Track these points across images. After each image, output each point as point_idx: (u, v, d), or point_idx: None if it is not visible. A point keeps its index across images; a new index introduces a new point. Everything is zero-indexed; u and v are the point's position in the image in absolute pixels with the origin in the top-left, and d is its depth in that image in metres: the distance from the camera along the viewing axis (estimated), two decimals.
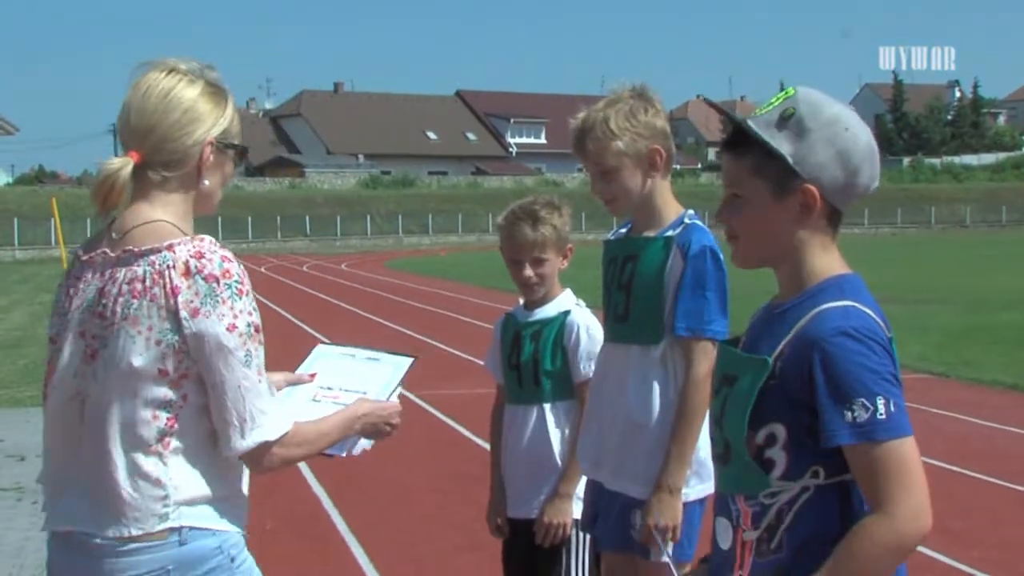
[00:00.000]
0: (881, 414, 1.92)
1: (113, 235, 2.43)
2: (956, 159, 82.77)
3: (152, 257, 2.35)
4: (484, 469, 3.93)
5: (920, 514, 1.93)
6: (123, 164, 2.40)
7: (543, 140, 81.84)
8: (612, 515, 3.30)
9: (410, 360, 2.85)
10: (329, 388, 2.74)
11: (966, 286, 23.46)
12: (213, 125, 2.45)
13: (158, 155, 2.43)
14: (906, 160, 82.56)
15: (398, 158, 74.74)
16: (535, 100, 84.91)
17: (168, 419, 2.35)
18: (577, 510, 3.56)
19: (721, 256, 3.19)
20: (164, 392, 2.34)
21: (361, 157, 73.98)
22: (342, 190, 67.11)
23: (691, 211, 3.31)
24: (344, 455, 2.67)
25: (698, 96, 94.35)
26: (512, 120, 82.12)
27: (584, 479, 3.53)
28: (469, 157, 78.55)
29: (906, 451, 1.94)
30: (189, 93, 2.44)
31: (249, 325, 2.36)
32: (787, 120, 2.06)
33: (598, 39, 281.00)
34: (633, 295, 3.27)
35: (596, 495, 3.39)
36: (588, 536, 3.59)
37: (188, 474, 2.38)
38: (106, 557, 2.37)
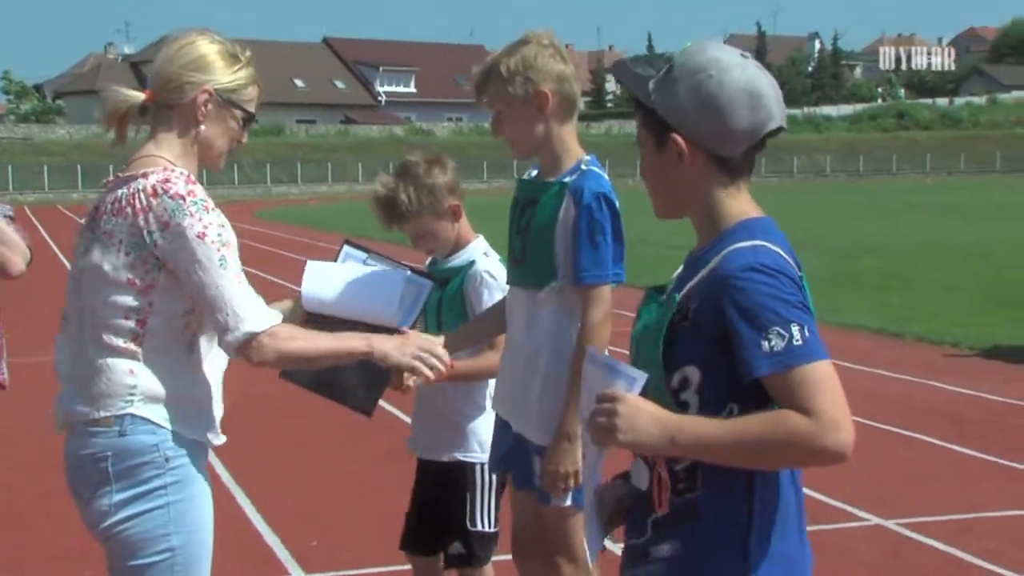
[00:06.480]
0: (797, 340, 1.93)
1: (124, 165, 2.76)
2: (816, 110, 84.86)
3: (131, 183, 2.65)
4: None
5: (842, 424, 1.90)
6: (131, 96, 2.75)
7: (412, 89, 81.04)
8: (518, 456, 3.34)
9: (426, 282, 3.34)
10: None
11: (828, 234, 24.14)
12: (219, 79, 2.73)
13: (163, 95, 2.73)
14: None
15: (265, 106, 68.43)
16: (404, 48, 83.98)
17: (138, 323, 2.63)
18: (486, 450, 3.59)
19: (615, 202, 3.22)
20: (132, 299, 2.62)
21: None
22: None
23: (589, 156, 3.31)
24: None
25: (610, 47, 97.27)
26: (381, 68, 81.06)
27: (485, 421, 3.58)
28: (338, 106, 77.33)
29: (826, 372, 1.94)
30: (204, 48, 2.73)
31: (220, 235, 2.61)
32: (666, 73, 2.11)
33: None
34: (529, 240, 3.30)
35: (503, 435, 3.43)
36: (493, 477, 3.61)
37: (157, 372, 2.64)
38: (77, 437, 2.67)
